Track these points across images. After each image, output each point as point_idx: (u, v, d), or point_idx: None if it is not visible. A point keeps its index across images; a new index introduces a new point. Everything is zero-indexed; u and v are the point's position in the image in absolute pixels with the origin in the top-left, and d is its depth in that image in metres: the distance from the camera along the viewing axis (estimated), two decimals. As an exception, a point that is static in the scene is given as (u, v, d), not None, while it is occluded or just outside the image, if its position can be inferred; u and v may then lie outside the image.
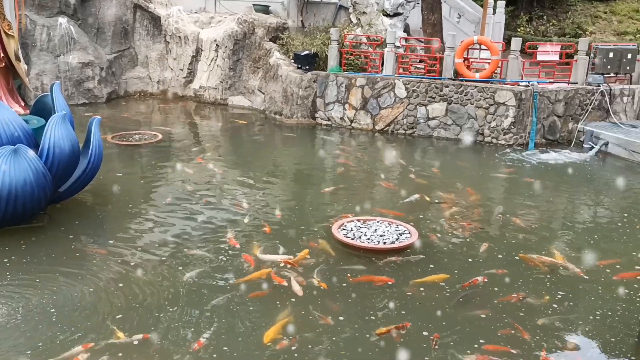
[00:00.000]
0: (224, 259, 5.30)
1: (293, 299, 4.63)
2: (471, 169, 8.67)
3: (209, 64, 12.57)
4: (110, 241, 5.68)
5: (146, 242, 5.67)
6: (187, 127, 11.13)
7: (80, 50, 12.13)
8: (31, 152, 5.41)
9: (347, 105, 10.86)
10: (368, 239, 5.67)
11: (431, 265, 5.30)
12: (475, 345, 4.10)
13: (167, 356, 3.88)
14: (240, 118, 11.49)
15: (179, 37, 12.70)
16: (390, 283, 4.91)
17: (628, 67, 10.58)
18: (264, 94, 12.09)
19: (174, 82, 13.11)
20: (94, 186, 6.77)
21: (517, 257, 5.49)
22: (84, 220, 6.14)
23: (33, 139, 5.78)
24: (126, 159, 8.70)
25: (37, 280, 4.81)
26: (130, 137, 9.48)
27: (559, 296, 4.80)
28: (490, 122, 9.89)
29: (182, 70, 12.90)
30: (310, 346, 4.03)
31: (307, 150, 9.46)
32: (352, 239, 5.68)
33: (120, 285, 4.80)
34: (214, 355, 3.90)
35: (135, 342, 4.01)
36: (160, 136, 9.54)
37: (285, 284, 4.84)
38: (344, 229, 5.88)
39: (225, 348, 3.98)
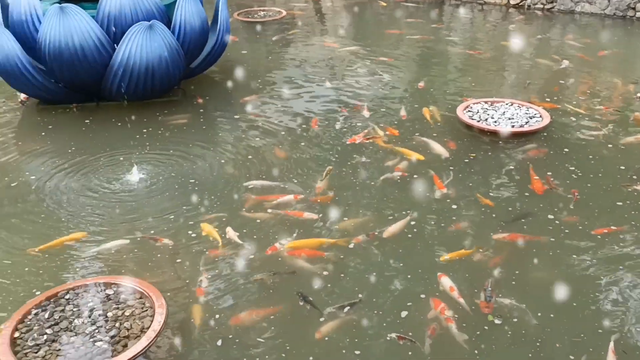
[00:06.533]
0: (351, 130, 5.37)
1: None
2: (620, 51, 7.84)
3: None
4: (236, 116, 5.93)
5: (271, 116, 5.85)
6: (310, 3, 10.94)
7: None
8: (165, 28, 5.61)
9: (478, -22, 10.06)
10: (495, 121, 5.44)
11: (565, 149, 5.04)
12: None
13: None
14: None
15: None
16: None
17: None
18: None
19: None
20: (222, 63, 6.97)
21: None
22: (214, 95, 6.40)
23: (165, 15, 5.97)
24: (251, 36, 8.81)
25: (171, 151, 5.16)
26: (255, 14, 9.52)
27: None
28: (644, -5, 8.76)
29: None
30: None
31: (433, 30, 9.01)
32: (478, 121, 5.48)
33: (249, 157, 5.05)
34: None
35: (269, 210, 4.26)
36: (284, 13, 9.51)
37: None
38: (469, 111, 5.67)
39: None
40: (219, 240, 3.86)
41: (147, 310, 3.13)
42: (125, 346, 2.90)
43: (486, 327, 3.16)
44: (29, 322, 3.05)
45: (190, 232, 4.00)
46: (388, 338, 3.10)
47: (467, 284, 3.49)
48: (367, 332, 3.16)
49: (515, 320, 3.20)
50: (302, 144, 5.27)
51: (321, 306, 3.32)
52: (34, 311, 3.12)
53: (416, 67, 7.43)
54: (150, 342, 2.89)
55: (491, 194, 4.41)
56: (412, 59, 7.75)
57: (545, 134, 5.31)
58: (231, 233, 3.95)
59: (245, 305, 3.36)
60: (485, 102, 5.84)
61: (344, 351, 3.04)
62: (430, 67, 7.40)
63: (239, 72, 7.03)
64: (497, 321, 3.19)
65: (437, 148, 5.08)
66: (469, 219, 4.12)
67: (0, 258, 3.79)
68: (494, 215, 4.16)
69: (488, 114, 5.57)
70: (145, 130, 5.52)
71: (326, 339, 3.12)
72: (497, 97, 6.01)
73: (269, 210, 4.22)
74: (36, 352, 2.88)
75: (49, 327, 3.01)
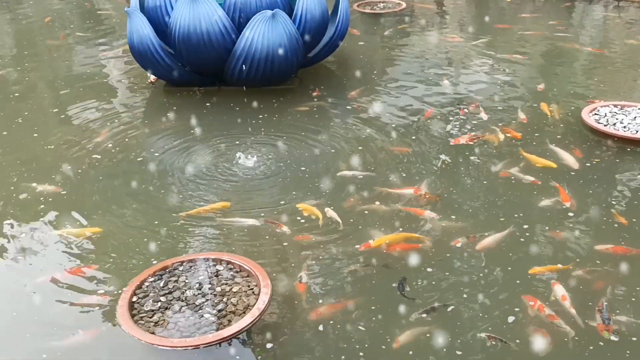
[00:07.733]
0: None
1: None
2: None
3: None
4: (349, 107, 5.95)
5: (384, 109, 5.82)
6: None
7: None
8: (287, 18, 5.73)
9: (616, -27, 9.38)
10: (624, 127, 5.07)
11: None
12: None
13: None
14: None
15: None
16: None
17: None
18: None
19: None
20: (339, 53, 7.01)
21: None
22: (329, 85, 6.47)
23: (288, 4, 6.10)
24: (369, 27, 8.79)
25: (285, 137, 5.28)
26: (375, 6, 9.50)
27: None
28: None
29: None
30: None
31: (557, 27, 8.52)
32: (605, 125, 5.13)
33: (360, 147, 5.06)
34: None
35: (377, 202, 4.25)
36: (403, 5, 9.40)
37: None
38: (596, 114, 5.32)
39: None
40: (320, 221, 3.96)
41: (253, 288, 3.24)
42: (230, 321, 3.02)
43: (601, 343, 2.97)
44: (145, 289, 3.26)
45: (298, 218, 4.08)
46: (479, 336, 3.04)
47: (581, 297, 3.30)
48: (470, 334, 3.07)
49: (635, 339, 2.98)
50: (413, 137, 5.20)
51: (421, 303, 3.28)
52: (150, 279, 3.33)
53: (538, 66, 7.07)
54: (254, 319, 2.99)
55: (612, 202, 4.13)
56: (536, 56, 7.38)
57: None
58: (331, 213, 4.04)
59: (347, 294, 3.39)
60: (615, 106, 5.46)
61: (444, 350, 2.98)
62: (553, 66, 7.01)
63: (355, 63, 7.05)
64: (613, 338, 2.99)
65: (563, 155, 4.78)
66: (588, 230, 3.88)
67: (122, 229, 4.07)
68: (615, 225, 3.89)
69: (617, 119, 5.20)
70: (261, 116, 5.68)
71: (427, 335, 3.07)
72: (628, 101, 5.59)
73: (377, 202, 4.22)
74: (150, 317, 3.07)
75: (163, 295, 3.20)
